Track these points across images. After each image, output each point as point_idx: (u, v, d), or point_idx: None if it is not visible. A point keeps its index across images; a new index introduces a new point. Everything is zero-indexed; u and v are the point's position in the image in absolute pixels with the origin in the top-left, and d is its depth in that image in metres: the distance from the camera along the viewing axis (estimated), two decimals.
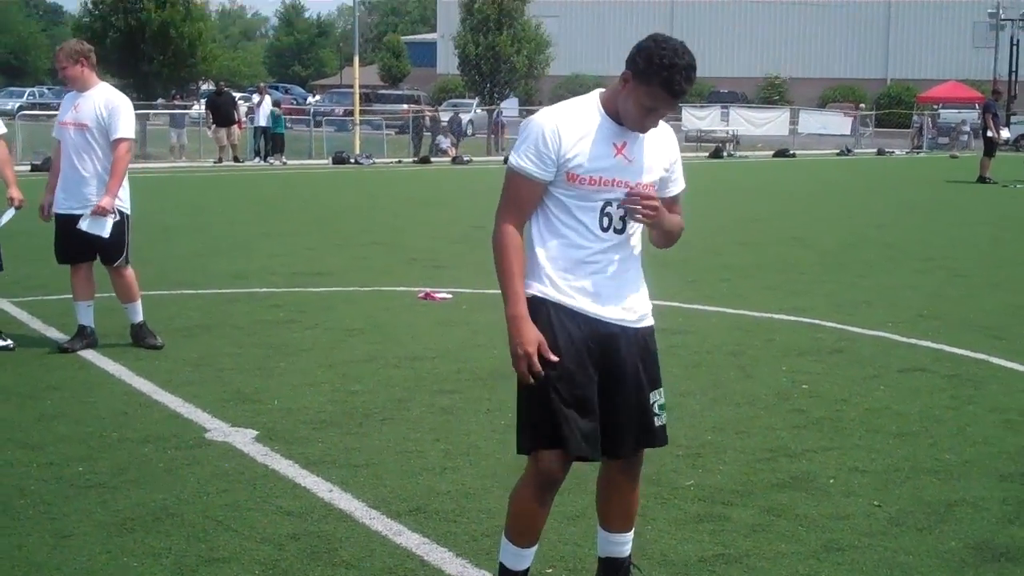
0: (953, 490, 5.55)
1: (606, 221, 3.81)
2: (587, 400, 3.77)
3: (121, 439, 6.12)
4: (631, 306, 3.89)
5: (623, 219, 3.83)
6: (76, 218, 7.99)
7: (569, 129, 3.73)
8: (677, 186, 4.05)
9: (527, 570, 3.99)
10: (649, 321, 3.96)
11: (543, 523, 3.96)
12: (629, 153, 3.79)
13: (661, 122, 3.85)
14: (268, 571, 4.46)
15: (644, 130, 3.77)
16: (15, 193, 8.16)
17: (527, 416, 3.82)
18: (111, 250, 8.13)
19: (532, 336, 3.71)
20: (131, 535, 4.79)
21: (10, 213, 8.24)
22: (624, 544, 4.13)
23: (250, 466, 5.71)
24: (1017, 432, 6.53)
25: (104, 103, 8.06)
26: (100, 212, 7.91)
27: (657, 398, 3.96)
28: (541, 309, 3.77)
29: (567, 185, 3.76)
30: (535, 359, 3.69)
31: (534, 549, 3.99)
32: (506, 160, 3.90)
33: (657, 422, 3.96)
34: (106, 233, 7.96)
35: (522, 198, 3.80)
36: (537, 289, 3.81)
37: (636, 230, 3.91)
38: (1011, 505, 5.35)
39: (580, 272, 3.81)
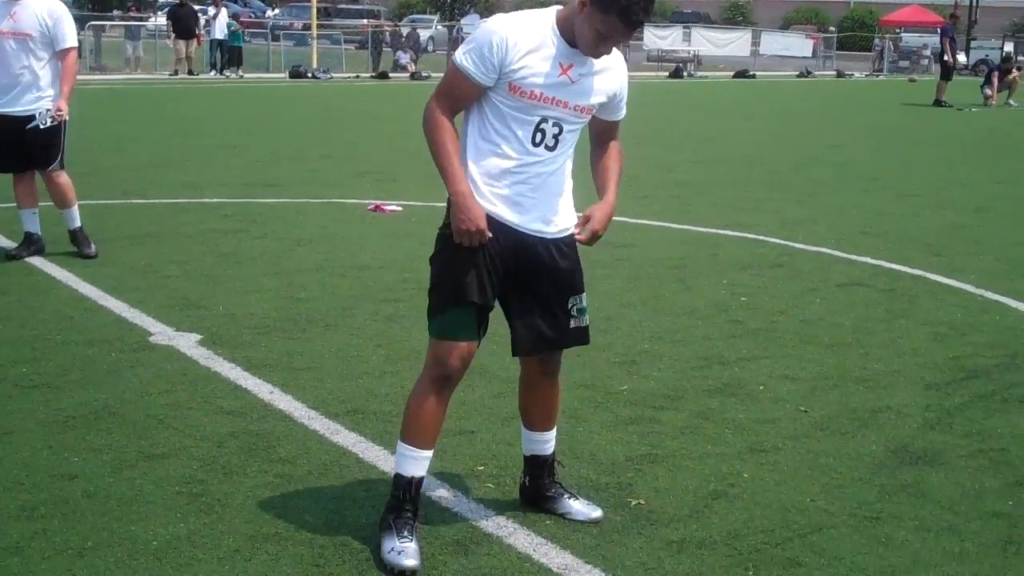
0: (879, 397, 5.72)
1: (539, 136, 3.85)
2: (489, 279, 3.85)
3: (65, 342, 6.19)
4: (552, 219, 3.93)
5: (556, 137, 3.87)
6: (13, 119, 7.95)
7: (518, 41, 3.74)
8: (618, 114, 4.07)
9: (422, 479, 3.99)
10: (569, 233, 4.01)
11: (439, 424, 3.98)
12: (574, 75, 3.81)
13: (614, 49, 3.87)
14: (206, 467, 4.56)
15: (597, 56, 3.79)
16: None
17: (447, 274, 3.86)
18: (46, 155, 8.11)
19: (479, 212, 3.78)
20: (72, 432, 4.88)
21: None
22: (547, 442, 4.26)
23: (192, 368, 5.80)
24: (945, 344, 6.71)
25: (47, 12, 7.97)
26: (59, 116, 7.96)
27: (576, 302, 4.03)
28: None
29: (507, 94, 3.79)
30: (483, 233, 3.77)
31: (429, 455, 3.99)
32: None
33: (574, 323, 4.03)
34: (43, 125, 7.98)
35: (457, 92, 3.84)
36: None
37: (568, 148, 3.96)
38: (933, 412, 5.53)
39: (505, 180, 3.85)
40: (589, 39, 3.70)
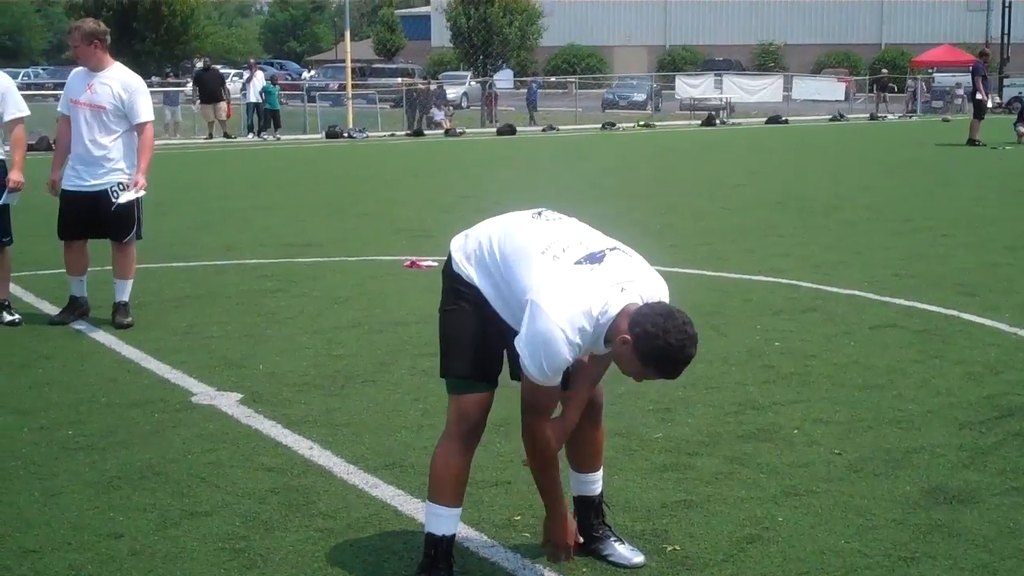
0: (913, 438, 5.74)
1: None
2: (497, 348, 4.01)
3: (109, 404, 6.32)
4: None
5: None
6: (84, 195, 8.14)
7: (582, 345, 3.72)
8: None
9: (453, 537, 4.09)
10: None
11: (466, 479, 4.07)
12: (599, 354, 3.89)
13: None
14: (249, 523, 4.66)
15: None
16: (16, 176, 8.17)
17: (461, 344, 3.99)
18: (121, 228, 8.27)
19: (574, 527, 3.98)
20: (117, 492, 4.99)
21: (10, 197, 8.22)
22: (594, 483, 4.35)
23: (234, 427, 5.92)
24: (979, 383, 6.73)
25: (123, 86, 8.15)
26: (141, 187, 8.18)
27: None
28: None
29: None
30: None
31: (459, 511, 4.09)
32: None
33: None
34: (115, 199, 8.15)
35: (554, 400, 3.86)
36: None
37: None
38: (967, 452, 5.54)
39: None
40: (625, 371, 3.77)
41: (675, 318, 3.61)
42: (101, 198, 8.17)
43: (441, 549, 4.03)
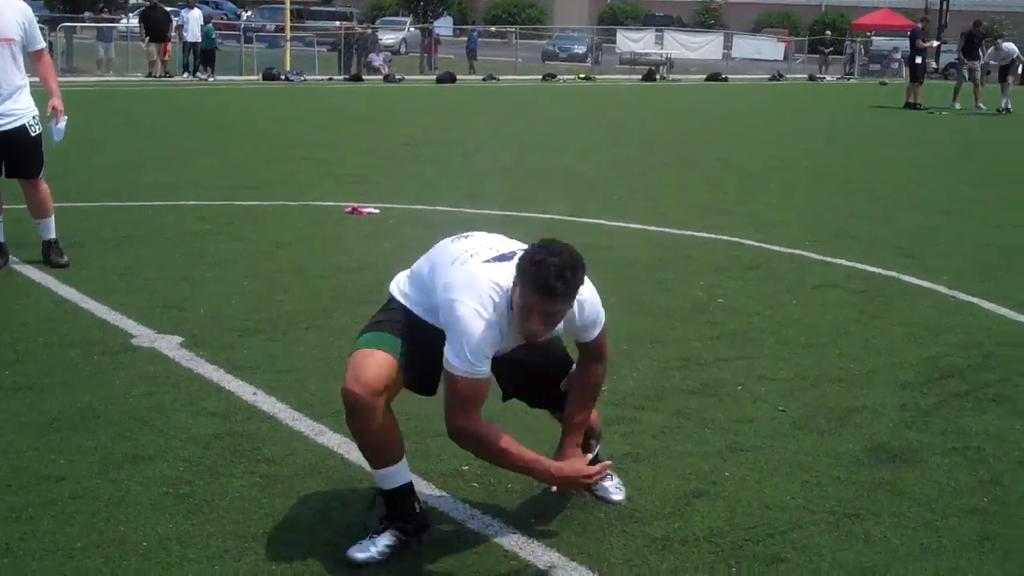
0: (855, 397, 5.80)
1: None
2: None
3: (47, 344, 6.20)
4: None
5: None
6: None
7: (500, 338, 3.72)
8: (587, 336, 4.08)
9: (410, 483, 4.01)
10: None
11: (397, 434, 4.01)
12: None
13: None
14: (192, 468, 4.59)
15: (526, 339, 3.77)
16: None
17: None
18: (35, 162, 8.03)
19: (572, 467, 3.87)
20: (58, 434, 4.90)
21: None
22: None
23: (175, 370, 5.83)
24: (920, 344, 6.81)
25: (21, 15, 7.80)
26: (60, 114, 7.92)
27: None
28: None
29: None
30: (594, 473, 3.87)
31: (405, 462, 4.02)
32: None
33: None
34: (33, 133, 7.91)
35: (480, 394, 3.78)
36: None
37: None
38: (909, 411, 5.61)
39: None
40: (526, 324, 3.66)
41: (545, 238, 3.68)
42: (15, 135, 7.82)
43: (403, 496, 3.98)
